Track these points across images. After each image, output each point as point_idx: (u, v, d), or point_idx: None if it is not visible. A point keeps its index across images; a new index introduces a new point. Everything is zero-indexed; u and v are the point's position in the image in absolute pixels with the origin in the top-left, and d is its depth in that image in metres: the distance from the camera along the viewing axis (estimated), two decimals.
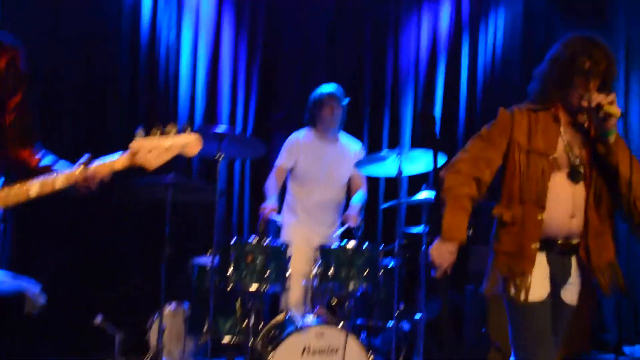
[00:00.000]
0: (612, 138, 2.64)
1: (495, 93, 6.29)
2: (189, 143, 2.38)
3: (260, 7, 5.90)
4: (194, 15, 5.73)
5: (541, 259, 2.71)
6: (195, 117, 5.68)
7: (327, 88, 4.81)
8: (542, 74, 2.85)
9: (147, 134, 2.34)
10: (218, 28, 5.80)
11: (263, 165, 5.24)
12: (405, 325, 4.43)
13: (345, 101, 4.82)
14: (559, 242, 2.72)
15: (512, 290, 2.69)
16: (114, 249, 5.30)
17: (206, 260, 4.21)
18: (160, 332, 4.14)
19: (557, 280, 2.73)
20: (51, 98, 5.26)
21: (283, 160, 4.82)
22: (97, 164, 2.37)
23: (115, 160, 2.36)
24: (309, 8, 6.01)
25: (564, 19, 6.41)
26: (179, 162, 5.30)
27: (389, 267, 4.28)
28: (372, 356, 3.85)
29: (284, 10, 5.97)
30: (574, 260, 2.76)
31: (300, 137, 4.87)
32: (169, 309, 4.40)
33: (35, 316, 4.28)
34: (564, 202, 2.68)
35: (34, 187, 2.34)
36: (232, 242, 4.01)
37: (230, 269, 3.94)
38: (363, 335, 4.36)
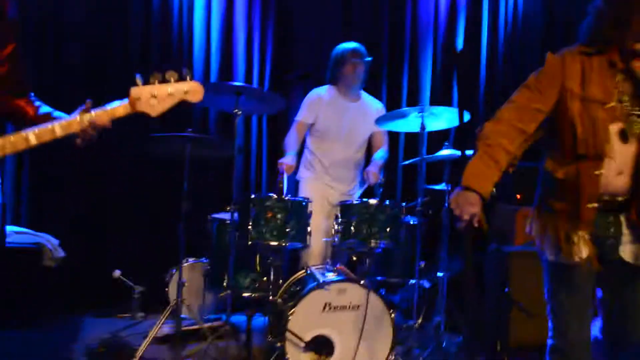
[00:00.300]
0: None
1: (516, 52, 6.27)
2: (191, 89, 2.40)
3: None
4: None
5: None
6: (210, 73, 5.67)
7: (349, 45, 4.79)
8: (597, 11, 2.56)
9: (146, 81, 2.34)
10: None
11: (281, 122, 5.25)
12: (426, 284, 4.42)
13: (369, 59, 4.78)
14: (605, 198, 2.51)
15: (560, 251, 2.55)
16: (133, 203, 5.33)
17: (226, 215, 4.19)
18: (180, 286, 4.11)
19: (602, 239, 2.53)
20: (59, 50, 5.27)
21: (304, 115, 4.79)
22: (97, 111, 2.35)
23: (117, 107, 2.35)
24: None
25: None
26: (196, 116, 5.44)
27: (411, 224, 4.27)
28: (394, 313, 3.83)
29: None
30: (623, 218, 2.53)
31: (322, 94, 4.84)
32: (188, 263, 4.42)
33: (53, 269, 4.31)
34: (613, 157, 2.46)
35: (33, 135, 2.30)
36: (251, 197, 3.96)
37: (250, 225, 3.89)
38: (383, 291, 4.27)
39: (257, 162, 5.78)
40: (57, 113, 2.55)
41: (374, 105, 4.92)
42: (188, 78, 2.41)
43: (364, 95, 4.93)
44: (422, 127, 4.18)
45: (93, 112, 2.34)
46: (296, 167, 4.78)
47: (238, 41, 5.77)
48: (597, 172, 2.45)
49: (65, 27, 5.31)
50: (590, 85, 2.49)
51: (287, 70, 5.79)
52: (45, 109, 2.59)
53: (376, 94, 5.35)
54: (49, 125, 2.31)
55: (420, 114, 4.17)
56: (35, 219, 5.05)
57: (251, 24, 5.81)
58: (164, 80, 2.36)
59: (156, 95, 2.34)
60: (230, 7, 5.76)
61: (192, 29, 5.63)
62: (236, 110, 4.06)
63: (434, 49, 6.17)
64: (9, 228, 4.47)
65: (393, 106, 5.74)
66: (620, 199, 2.52)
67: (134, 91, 2.33)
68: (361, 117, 4.78)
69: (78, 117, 2.33)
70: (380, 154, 4.83)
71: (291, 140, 4.74)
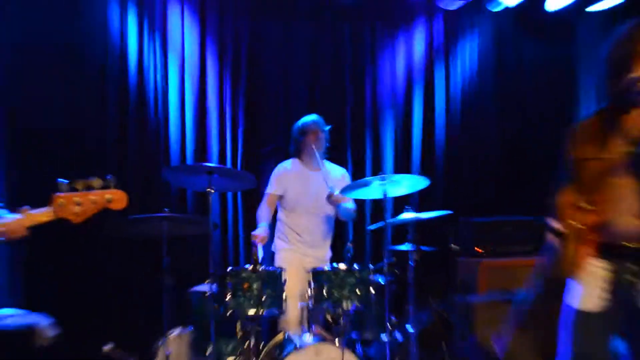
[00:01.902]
0: None
1: (472, 117, 6.45)
2: (114, 198, 2.37)
3: (242, 46, 5.94)
4: (178, 56, 5.77)
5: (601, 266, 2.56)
6: (186, 154, 5.75)
7: (309, 117, 4.98)
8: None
9: (71, 188, 2.31)
10: (202, 67, 5.86)
11: (254, 197, 5.28)
12: (398, 336, 4.49)
13: (327, 128, 4.96)
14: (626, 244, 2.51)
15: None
16: (118, 280, 5.33)
17: (205, 287, 4.27)
18: (167, 356, 4.21)
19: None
20: (35, 142, 5.23)
21: (274, 188, 4.95)
22: (16, 217, 2.32)
23: (40, 214, 2.32)
24: (289, 45, 6.09)
25: (533, 42, 6.66)
26: (174, 195, 5.54)
27: (379, 284, 4.34)
28: None
29: (265, 48, 6.02)
30: None
31: (288, 167, 5.00)
32: (173, 334, 4.44)
33: (47, 347, 4.37)
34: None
35: None
36: (228, 271, 4.10)
37: (229, 296, 4.01)
38: (359, 348, 4.41)
39: (234, 236, 5.82)
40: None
41: (339, 172, 5.06)
42: (112, 185, 2.37)
43: (328, 164, 5.04)
44: (385, 195, 4.26)
45: (17, 216, 2.32)
46: (271, 238, 4.88)
47: (211, 123, 5.85)
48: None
49: (41, 115, 5.26)
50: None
51: (258, 146, 5.91)
52: None
53: (342, 162, 5.47)
54: None
55: (383, 182, 4.25)
56: (26, 300, 5.01)
57: (222, 106, 5.90)
58: (87, 187, 2.33)
59: (80, 203, 2.31)
60: (202, 92, 5.83)
61: (168, 114, 5.69)
62: (209, 189, 4.17)
63: (394, 116, 6.33)
64: (2, 311, 4.53)
65: (358, 173, 5.93)
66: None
67: (58, 198, 2.30)
68: (326, 185, 4.79)
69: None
70: (346, 205, 4.90)
71: (263, 212, 4.88)
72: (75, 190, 2.33)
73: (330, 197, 4.70)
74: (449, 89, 6.52)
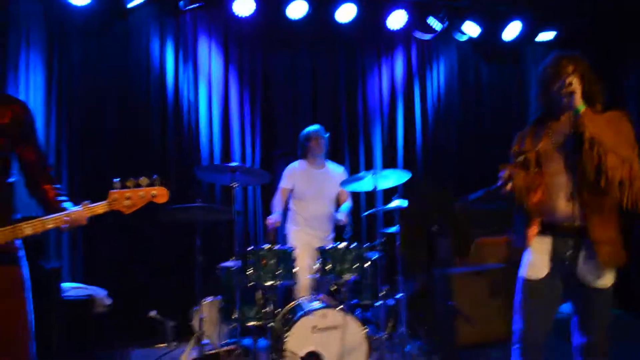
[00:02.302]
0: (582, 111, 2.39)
1: (441, 123, 6.43)
2: (158, 193, 2.34)
3: (258, 70, 5.88)
4: (207, 78, 5.71)
5: (545, 241, 2.51)
6: (214, 155, 5.67)
7: (312, 127, 4.91)
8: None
9: (123, 185, 2.29)
10: (226, 87, 5.79)
11: (269, 190, 5.20)
12: (391, 302, 4.41)
13: (327, 135, 4.89)
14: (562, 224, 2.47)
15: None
16: (161, 258, 5.24)
17: (231, 263, 4.20)
18: (201, 320, 4.15)
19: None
20: (95, 143, 5.23)
21: (285, 183, 4.87)
22: (78, 209, 2.28)
23: (97, 206, 2.29)
24: (295, 68, 6.03)
25: (488, 63, 6.67)
26: (204, 189, 5.46)
27: (373, 259, 4.28)
28: (367, 328, 3.84)
29: (276, 71, 5.97)
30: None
31: (296, 166, 4.92)
32: (206, 301, 4.38)
33: (103, 314, 4.27)
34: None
35: (27, 229, 2.23)
36: (249, 250, 4.04)
37: (250, 270, 3.95)
38: (358, 312, 4.36)
39: (254, 221, 5.75)
40: (66, 204, 2.39)
41: (337, 170, 4.98)
42: (157, 183, 2.34)
43: (329, 163, 4.98)
44: (374, 187, 4.17)
45: (79, 208, 2.28)
46: (283, 223, 4.81)
47: (234, 131, 5.76)
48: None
49: (99, 126, 5.27)
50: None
51: (272, 149, 5.85)
52: (62, 198, 2.42)
53: (340, 161, 5.39)
54: (40, 220, 2.24)
55: (374, 176, 4.18)
56: (87, 273, 5.02)
57: (243, 117, 5.82)
58: (137, 185, 2.31)
59: (130, 197, 2.29)
60: (226, 106, 5.75)
61: (198, 122, 5.62)
62: (233, 184, 4.10)
63: (381, 123, 6.25)
64: (67, 284, 4.44)
65: (354, 169, 5.91)
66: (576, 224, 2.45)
67: (112, 194, 2.29)
68: (327, 180, 4.84)
69: (64, 214, 2.27)
70: (345, 205, 4.88)
71: (276, 203, 4.80)
72: (127, 187, 2.31)
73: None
74: (425, 101, 6.46)
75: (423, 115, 6.39)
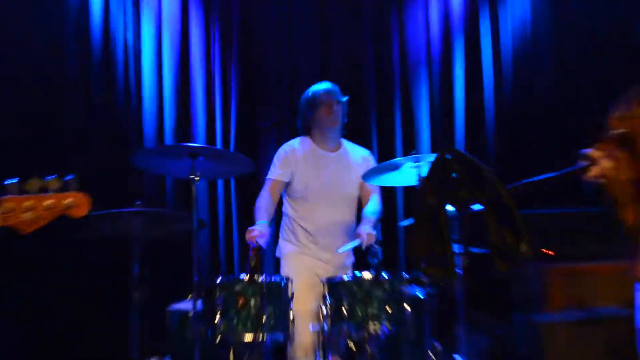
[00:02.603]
0: None
1: (526, 78, 6.20)
2: (74, 203, 2.32)
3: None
4: (154, 11, 5.78)
5: None
6: (164, 133, 5.71)
7: (321, 85, 4.88)
8: None
9: (22, 189, 2.26)
10: (185, 24, 5.85)
11: (251, 185, 5.23)
12: None
13: (345, 99, 4.85)
14: None
15: None
16: (74, 296, 5.16)
17: (187, 305, 4.12)
18: None
19: None
20: None
21: (277, 173, 4.79)
22: None
23: None
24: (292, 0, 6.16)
25: None
26: (148, 186, 5.39)
27: (417, 298, 4.19)
28: None
29: (264, 4, 6.07)
30: None
31: (296, 146, 4.89)
32: None
33: None
34: None
35: None
36: (217, 282, 3.95)
37: (218, 316, 3.83)
38: None
39: (225, 236, 5.78)
40: None
41: (359, 153, 4.97)
42: (73, 187, 2.32)
43: (346, 143, 4.97)
44: (420, 179, 4.11)
45: None
46: (273, 238, 4.82)
47: (196, 92, 5.84)
48: None
49: None
50: None
51: (255, 121, 5.92)
52: None
53: (365, 142, 5.40)
54: None
55: (417, 163, 4.13)
56: None
57: (210, 70, 5.91)
58: (42, 189, 2.29)
59: (32, 208, 2.27)
60: (184, 53, 5.84)
61: (141, 81, 5.67)
62: (193, 176, 4.06)
63: (429, 83, 6.20)
64: None
65: (387, 156, 5.75)
66: None
67: (5, 202, 2.26)
68: (344, 170, 4.81)
69: None
70: (371, 208, 4.79)
71: (262, 204, 4.70)
72: (26, 192, 2.28)
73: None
74: (498, 45, 6.27)
75: (496, 67, 6.24)
